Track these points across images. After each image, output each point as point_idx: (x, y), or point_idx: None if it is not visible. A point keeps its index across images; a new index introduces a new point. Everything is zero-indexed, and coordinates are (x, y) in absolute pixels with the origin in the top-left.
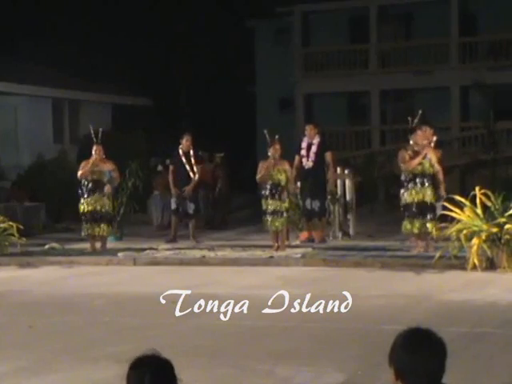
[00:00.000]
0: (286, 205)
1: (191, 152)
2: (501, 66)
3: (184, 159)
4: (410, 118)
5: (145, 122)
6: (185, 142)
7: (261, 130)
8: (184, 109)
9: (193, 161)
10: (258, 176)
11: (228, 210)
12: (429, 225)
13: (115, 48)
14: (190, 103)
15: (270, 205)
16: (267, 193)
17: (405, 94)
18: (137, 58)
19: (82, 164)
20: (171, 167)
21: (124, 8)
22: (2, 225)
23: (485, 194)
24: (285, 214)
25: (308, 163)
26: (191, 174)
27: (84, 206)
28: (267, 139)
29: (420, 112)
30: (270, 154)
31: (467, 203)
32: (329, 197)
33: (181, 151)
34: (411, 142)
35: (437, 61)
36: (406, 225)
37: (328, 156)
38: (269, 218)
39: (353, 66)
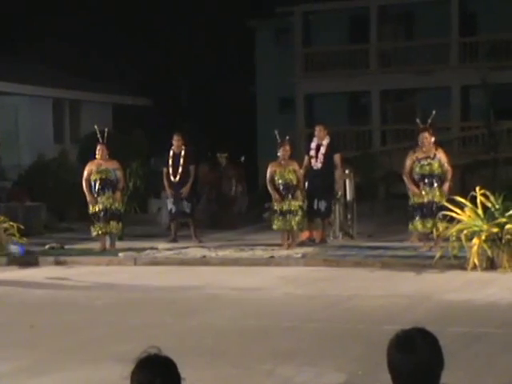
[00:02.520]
0: (300, 203)
1: (182, 152)
2: (501, 66)
3: (171, 161)
4: (418, 120)
5: (145, 122)
6: (175, 143)
7: (261, 130)
8: (184, 109)
9: (181, 161)
10: (268, 180)
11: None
12: (439, 225)
13: (115, 48)
14: (190, 103)
15: (283, 205)
16: (280, 193)
17: (405, 93)
18: (137, 57)
19: (87, 167)
20: (165, 169)
21: (124, 8)
22: (3, 225)
23: (485, 195)
24: (300, 213)
25: (317, 164)
26: (172, 177)
27: (95, 205)
28: (277, 140)
29: (433, 112)
30: (279, 154)
31: (468, 203)
32: None
33: (171, 152)
34: (419, 143)
35: (437, 61)
36: (418, 225)
37: (337, 158)
38: (280, 218)
39: (353, 66)
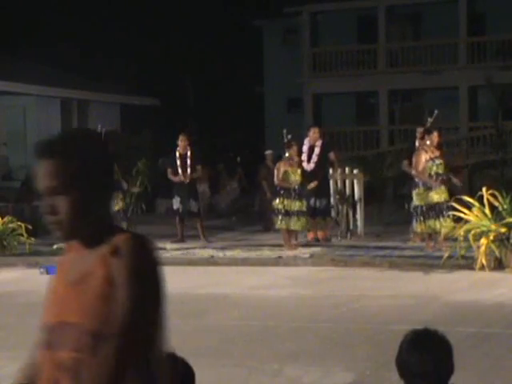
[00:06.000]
0: (304, 204)
1: (188, 153)
2: (509, 66)
3: (178, 161)
4: (429, 119)
5: (152, 122)
6: (180, 143)
7: (269, 131)
8: (191, 109)
9: (188, 162)
10: (279, 179)
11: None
12: (438, 225)
13: (122, 48)
14: (197, 104)
15: (290, 206)
16: (287, 193)
17: (413, 93)
18: (144, 58)
19: None
20: (169, 170)
21: (131, 7)
22: (11, 225)
23: (493, 194)
24: (304, 213)
25: (310, 165)
26: (181, 177)
27: None
28: (285, 139)
29: (436, 112)
30: (287, 154)
31: (475, 203)
32: (337, 196)
33: (177, 153)
34: (427, 143)
35: (445, 61)
36: (419, 226)
37: (332, 155)
38: (286, 218)
39: (361, 65)
